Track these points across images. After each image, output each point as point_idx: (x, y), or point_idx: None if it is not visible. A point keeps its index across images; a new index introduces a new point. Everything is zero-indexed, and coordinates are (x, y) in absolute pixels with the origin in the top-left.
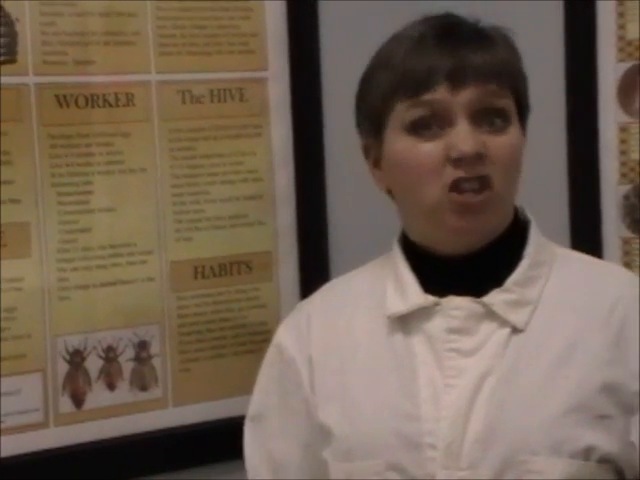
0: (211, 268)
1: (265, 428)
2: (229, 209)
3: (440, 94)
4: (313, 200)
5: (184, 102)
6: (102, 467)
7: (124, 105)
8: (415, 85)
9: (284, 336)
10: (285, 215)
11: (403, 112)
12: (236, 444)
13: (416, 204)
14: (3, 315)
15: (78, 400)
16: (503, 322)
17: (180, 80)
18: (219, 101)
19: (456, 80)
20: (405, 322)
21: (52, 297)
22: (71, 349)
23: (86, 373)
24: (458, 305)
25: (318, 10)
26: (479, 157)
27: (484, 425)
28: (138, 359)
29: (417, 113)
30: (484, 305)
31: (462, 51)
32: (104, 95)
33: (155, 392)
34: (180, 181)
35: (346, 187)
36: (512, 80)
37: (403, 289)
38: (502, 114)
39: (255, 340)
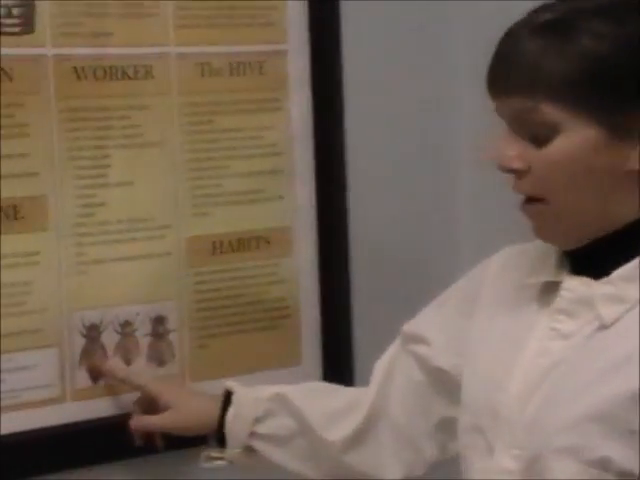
0: (229, 243)
1: None
2: (248, 184)
3: (492, 103)
4: (333, 175)
5: (203, 75)
6: (119, 442)
7: (142, 78)
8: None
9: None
10: (304, 190)
11: None
12: None
13: None
14: (19, 289)
15: (95, 375)
16: (598, 313)
17: (199, 53)
18: (238, 74)
19: (492, 93)
20: (546, 294)
21: (69, 271)
22: (88, 324)
23: (103, 348)
24: (570, 286)
25: None
26: (514, 172)
27: (535, 412)
28: (155, 334)
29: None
30: (591, 292)
31: (502, 60)
32: (122, 67)
33: (172, 367)
34: (198, 155)
35: (367, 162)
36: (552, 89)
37: (545, 260)
38: (543, 126)
39: (273, 316)
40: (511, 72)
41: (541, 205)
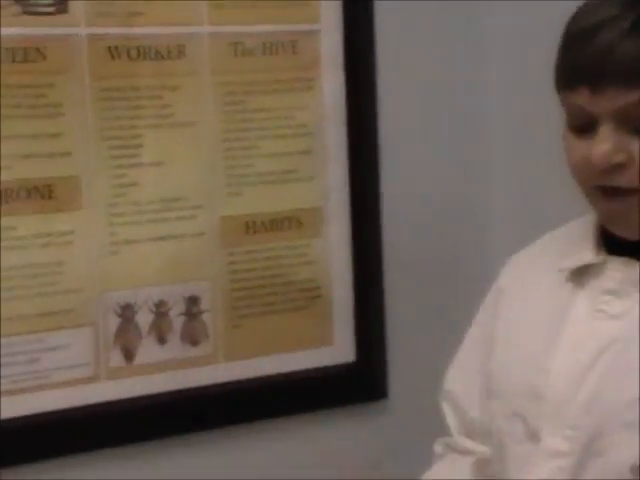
0: (262, 223)
1: None
2: (280, 164)
3: (582, 97)
4: (365, 155)
5: (235, 55)
6: (152, 421)
7: (175, 58)
8: (563, 80)
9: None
10: (336, 171)
11: (561, 104)
12: (286, 400)
13: None
14: (53, 269)
15: (129, 354)
16: None
17: (232, 32)
18: (271, 54)
19: (596, 83)
20: (580, 276)
21: (102, 251)
22: (122, 303)
23: (137, 327)
24: (617, 267)
25: None
26: (614, 168)
27: (593, 390)
28: (189, 314)
29: (567, 113)
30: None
31: (609, 42)
32: (155, 47)
33: (206, 347)
34: (230, 135)
35: (399, 142)
36: None
37: (581, 244)
38: None
39: (305, 297)
40: (626, 64)
41: (636, 196)
